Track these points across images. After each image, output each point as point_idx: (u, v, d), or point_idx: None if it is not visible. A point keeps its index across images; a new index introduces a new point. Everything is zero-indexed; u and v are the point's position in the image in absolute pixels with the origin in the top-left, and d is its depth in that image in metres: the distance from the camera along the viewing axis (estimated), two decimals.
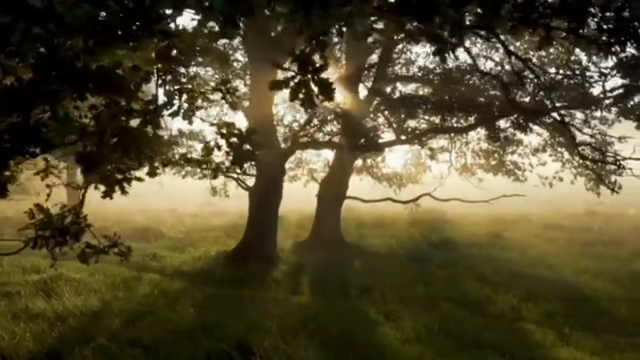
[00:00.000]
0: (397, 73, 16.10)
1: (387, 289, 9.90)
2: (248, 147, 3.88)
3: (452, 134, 17.43)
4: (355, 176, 22.19)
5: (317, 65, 3.06)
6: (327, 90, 3.09)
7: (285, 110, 14.54)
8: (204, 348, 6.18)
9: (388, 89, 13.21)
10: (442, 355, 6.40)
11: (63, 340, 6.56)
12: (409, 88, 13.76)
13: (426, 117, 11.95)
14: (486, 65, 12.82)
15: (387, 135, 13.69)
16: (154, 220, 18.23)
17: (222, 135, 3.91)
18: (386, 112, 11.22)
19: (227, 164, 4.85)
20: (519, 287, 10.11)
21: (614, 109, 10.70)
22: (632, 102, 10.07)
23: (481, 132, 15.34)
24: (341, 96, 14.55)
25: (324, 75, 3.16)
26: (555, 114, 10.74)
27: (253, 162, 12.86)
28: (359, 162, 21.03)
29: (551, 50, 11.11)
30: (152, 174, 4.23)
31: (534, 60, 14.07)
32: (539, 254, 13.86)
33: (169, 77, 3.39)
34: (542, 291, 9.82)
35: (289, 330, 6.92)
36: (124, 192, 4.27)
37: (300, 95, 3.12)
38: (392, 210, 20.68)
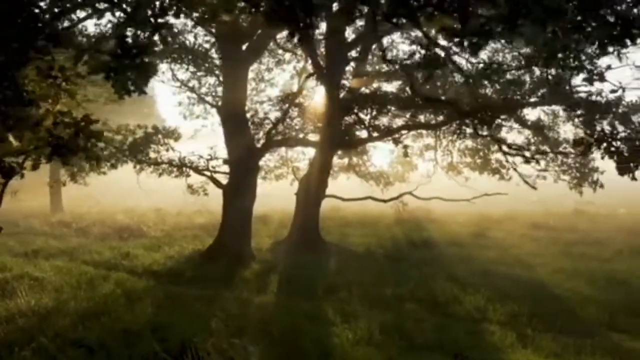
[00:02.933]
0: (379, 70, 15.94)
1: (354, 288, 9.75)
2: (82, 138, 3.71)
3: (437, 132, 17.31)
4: (342, 175, 22.19)
5: (138, 49, 2.88)
6: (142, 75, 2.93)
7: (259, 107, 14.37)
8: (145, 349, 6.04)
9: (364, 86, 13.00)
10: (390, 357, 6.23)
11: (5, 340, 6.43)
12: (393, 85, 13.52)
13: (398, 114, 11.76)
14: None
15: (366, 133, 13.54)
16: (137, 219, 18.11)
17: (56, 125, 3.74)
18: (356, 109, 11.04)
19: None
20: (490, 287, 9.92)
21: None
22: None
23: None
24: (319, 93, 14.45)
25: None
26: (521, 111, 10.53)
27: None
28: (344, 161, 21.03)
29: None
30: None
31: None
32: (519, 254, 13.67)
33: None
34: (512, 291, 9.65)
35: (238, 331, 6.77)
36: None
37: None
38: (379, 209, 20.51)
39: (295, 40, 3.32)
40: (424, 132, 18.41)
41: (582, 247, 14.16)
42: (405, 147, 11.90)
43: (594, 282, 10.38)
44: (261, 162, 19.99)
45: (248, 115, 13.02)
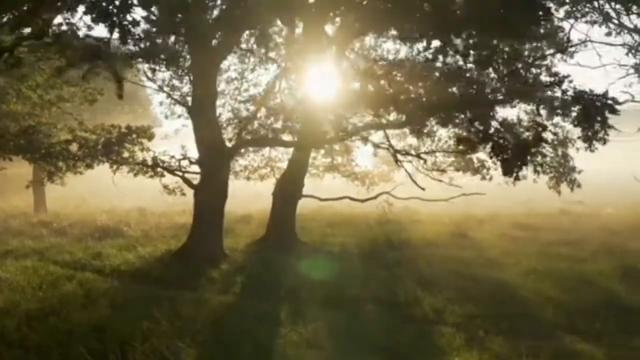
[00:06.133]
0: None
1: (317, 289, 9.69)
2: None
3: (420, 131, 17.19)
4: (327, 174, 22.17)
5: None
6: None
7: (230, 107, 14.32)
8: (79, 351, 6.02)
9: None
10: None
11: None
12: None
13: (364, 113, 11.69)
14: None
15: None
16: (118, 219, 18.10)
17: None
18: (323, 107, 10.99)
19: None
20: (455, 288, 9.84)
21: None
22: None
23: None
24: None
25: None
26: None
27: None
28: (328, 161, 20.99)
29: None
30: None
31: None
32: (495, 254, 13.52)
33: None
34: (475, 292, 9.55)
35: (182, 332, 6.73)
36: None
37: None
38: (366, 209, 20.39)
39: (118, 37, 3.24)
40: (407, 131, 18.34)
41: (560, 247, 14.01)
42: (377, 146, 11.84)
43: (561, 282, 10.24)
44: (245, 162, 20.15)
45: (220, 114, 12.98)
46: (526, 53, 10.13)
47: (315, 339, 6.81)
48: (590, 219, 19.10)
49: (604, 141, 9.33)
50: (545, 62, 13.01)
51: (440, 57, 5.96)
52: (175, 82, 15.44)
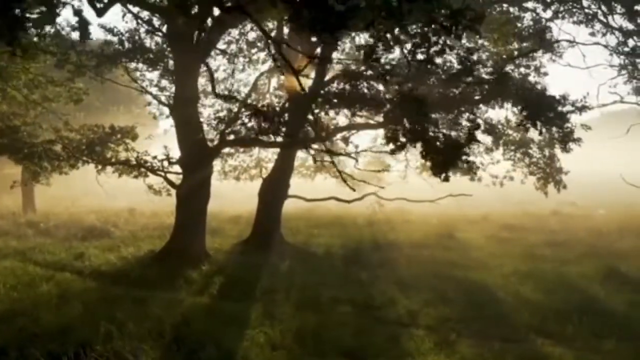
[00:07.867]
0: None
1: (294, 290, 9.65)
2: None
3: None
4: (320, 175, 22.18)
5: None
6: None
7: (212, 108, 14.28)
8: (35, 352, 5.95)
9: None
10: None
11: None
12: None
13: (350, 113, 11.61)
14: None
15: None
16: (106, 219, 18.06)
17: None
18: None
19: None
20: (433, 290, 9.77)
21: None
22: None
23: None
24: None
25: None
26: None
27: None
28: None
29: None
30: None
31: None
32: (480, 255, 13.43)
33: None
34: (453, 294, 9.46)
35: (146, 334, 6.65)
36: None
37: None
38: (357, 210, 20.31)
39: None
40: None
41: (546, 249, 13.91)
42: (356, 146, 11.83)
43: (542, 284, 10.14)
44: (235, 162, 20.10)
45: (209, 115, 12.97)
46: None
47: (282, 340, 6.75)
48: (581, 220, 18.96)
49: (565, 142, 9.19)
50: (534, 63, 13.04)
51: (379, 53, 5.83)
52: (165, 83, 15.45)
